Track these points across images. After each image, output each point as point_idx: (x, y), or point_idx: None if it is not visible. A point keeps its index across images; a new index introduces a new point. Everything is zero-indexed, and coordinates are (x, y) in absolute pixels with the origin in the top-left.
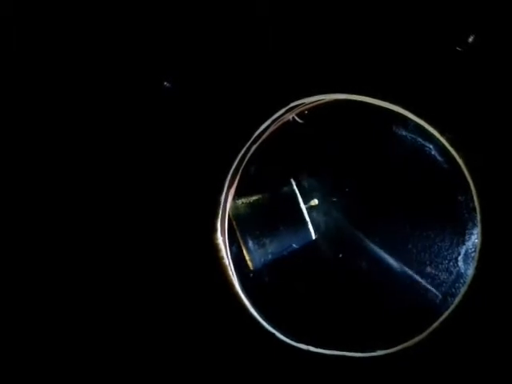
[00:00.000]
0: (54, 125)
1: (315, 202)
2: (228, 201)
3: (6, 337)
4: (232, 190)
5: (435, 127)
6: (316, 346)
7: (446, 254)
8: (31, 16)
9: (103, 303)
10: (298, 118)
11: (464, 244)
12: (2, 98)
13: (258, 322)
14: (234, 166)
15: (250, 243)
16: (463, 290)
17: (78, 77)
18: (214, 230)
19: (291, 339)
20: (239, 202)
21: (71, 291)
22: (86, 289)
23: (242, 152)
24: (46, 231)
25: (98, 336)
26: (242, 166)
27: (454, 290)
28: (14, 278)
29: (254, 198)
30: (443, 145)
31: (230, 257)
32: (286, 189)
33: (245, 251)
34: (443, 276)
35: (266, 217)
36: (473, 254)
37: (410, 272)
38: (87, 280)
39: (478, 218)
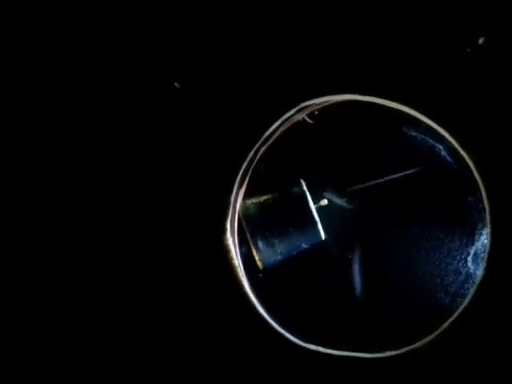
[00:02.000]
0: (56, 127)
1: (325, 202)
2: (238, 201)
3: (5, 337)
4: (242, 191)
5: (445, 128)
6: (325, 347)
7: (455, 254)
8: (31, 16)
9: (113, 303)
10: (308, 118)
11: (473, 244)
12: (2, 98)
13: (268, 323)
14: (243, 167)
15: (260, 243)
16: (472, 290)
17: (81, 78)
18: (224, 231)
19: (300, 340)
20: (249, 202)
21: (77, 291)
22: (96, 289)
23: (252, 152)
24: (56, 231)
25: (105, 336)
26: (252, 167)
27: (463, 291)
28: (19, 278)
29: (264, 198)
30: (453, 146)
31: (239, 257)
32: (295, 189)
33: (254, 251)
34: (452, 277)
35: (276, 217)
36: (482, 255)
37: (420, 272)
38: (96, 280)
39: (488, 218)
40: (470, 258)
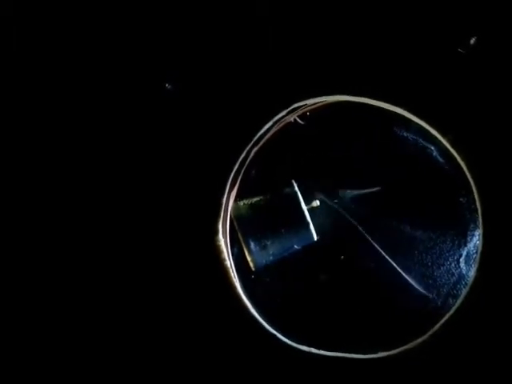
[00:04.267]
0: (55, 127)
1: (317, 203)
2: (230, 202)
3: (5, 337)
4: (234, 192)
5: (437, 129)
6: (318, 348)
7: (447, 255)
8: (31, 16)
9: (104, 305)
10: (300, 119)
11: (466, 246)
12: (2, 98)
13: (260, 324)
14: (235, 168)
15: (252, 245)
16: (465, 291)
17: (79, 78)
18: (216, 232)
19: (293, 341)
20: (241, 203)
21: (69, 293)
22: (87, 291)
23: (244, 153)
24: (46, 232)
25: (98, 337)
26: (244, 168)
27: (455, 292)
28: (13, 279)
29: (256, 199)
30: (445, 146)
31: (231, 258)
32: (287, 190)
33: (246, 253)
34: (445, 278)
35: (268, 218)
36: (474, 256)
37: (412, 273)
38: (88, 282)
39: (480, 219)
40: (462, 259)
